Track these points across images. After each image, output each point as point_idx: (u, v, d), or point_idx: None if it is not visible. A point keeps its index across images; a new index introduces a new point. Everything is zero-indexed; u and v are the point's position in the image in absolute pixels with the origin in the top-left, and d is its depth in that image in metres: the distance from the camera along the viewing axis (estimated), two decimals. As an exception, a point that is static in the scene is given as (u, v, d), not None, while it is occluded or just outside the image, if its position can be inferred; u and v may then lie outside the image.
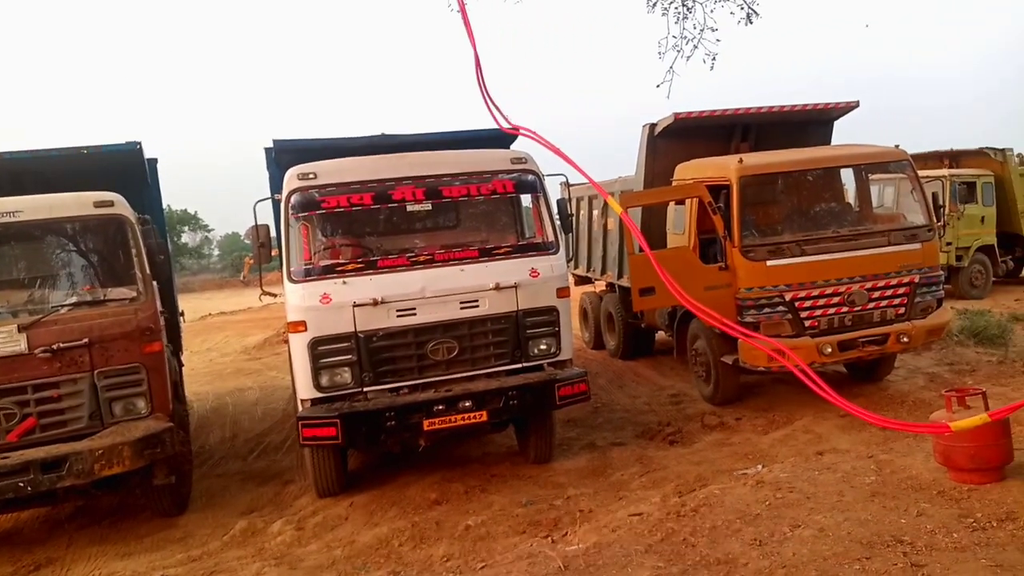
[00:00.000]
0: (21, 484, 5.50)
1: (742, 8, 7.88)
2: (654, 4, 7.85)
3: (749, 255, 7.63)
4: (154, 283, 6.36)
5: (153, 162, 8.30)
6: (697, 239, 8.32)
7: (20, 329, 5.77)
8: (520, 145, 7.72)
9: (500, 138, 7.95)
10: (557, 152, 5.59)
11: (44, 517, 6.89)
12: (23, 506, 6.27)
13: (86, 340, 5.87)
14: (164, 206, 10.15)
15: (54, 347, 5.78)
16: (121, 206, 6.30)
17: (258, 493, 7.05)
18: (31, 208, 6.07)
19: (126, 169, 7.52)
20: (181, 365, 8.59)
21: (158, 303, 6.36)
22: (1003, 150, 15.54)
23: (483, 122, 7.11)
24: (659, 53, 7.73)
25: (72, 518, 6.80)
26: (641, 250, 8.60)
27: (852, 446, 6.31)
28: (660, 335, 11.14)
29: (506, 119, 5.64)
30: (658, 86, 7.94)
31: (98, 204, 6.20)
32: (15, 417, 5.73)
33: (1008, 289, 15.67)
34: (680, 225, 8.80)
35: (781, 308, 7.61)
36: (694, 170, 8.56)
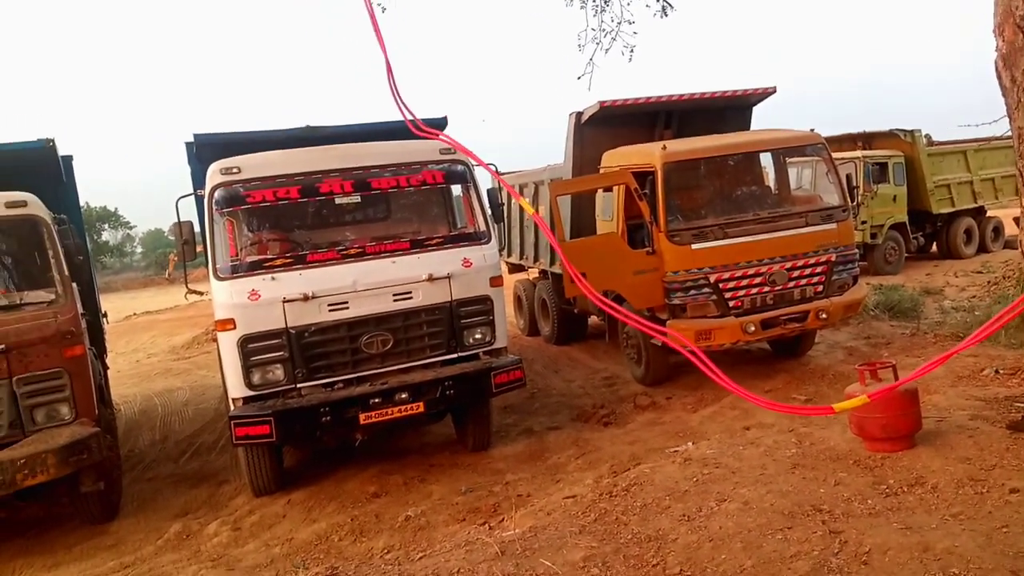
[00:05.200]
0: (-63, 499, 5.29)
1: (657, 1, 8.03)
2: None
3: (675, 239, 7.83)
4: (74, 284, 6.15)
5: (68, 159, 8.00)
6: (625, 225, 8.49)
7: (-70, 337, 5.52)
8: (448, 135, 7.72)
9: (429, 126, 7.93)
10: (473, 156, 5.62)
11: (-36, 531, 6.62)
12: (-60, 521, 6.03)
13: (2, 346, 5.64)
14: (82, 204, 9.79)
15: None
16: (35, 206, 6.08)
17: (192, 495, 6.92)
18: (-63, 210, 5.79)
19: (39, 167, 7.23)
20: (106, 368, 8.33)
21: (79, 305, 6.16)
22: (912, 131, 16.26)
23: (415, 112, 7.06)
24: (579, 46, 7.84)
25: (-6, 531, 6.55)
26: (573, 237, 8.78)
27: (776, 420, 6.57)
28: (593, 320, 11.33)
29: (420, 124, 5.64)
30: (579, 78, 8.06)
31: (10, 204, 5.96)
32: (-72, 429, 5.50)
33: (920, 264, 16.47)
34: (608, 212, 8.95)
35: (706, 290, 7.83)
36: (620, 157, 8.71)
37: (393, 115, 7.45)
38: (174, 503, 6.76)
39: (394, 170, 6.67)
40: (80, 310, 6.18)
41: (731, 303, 7.86)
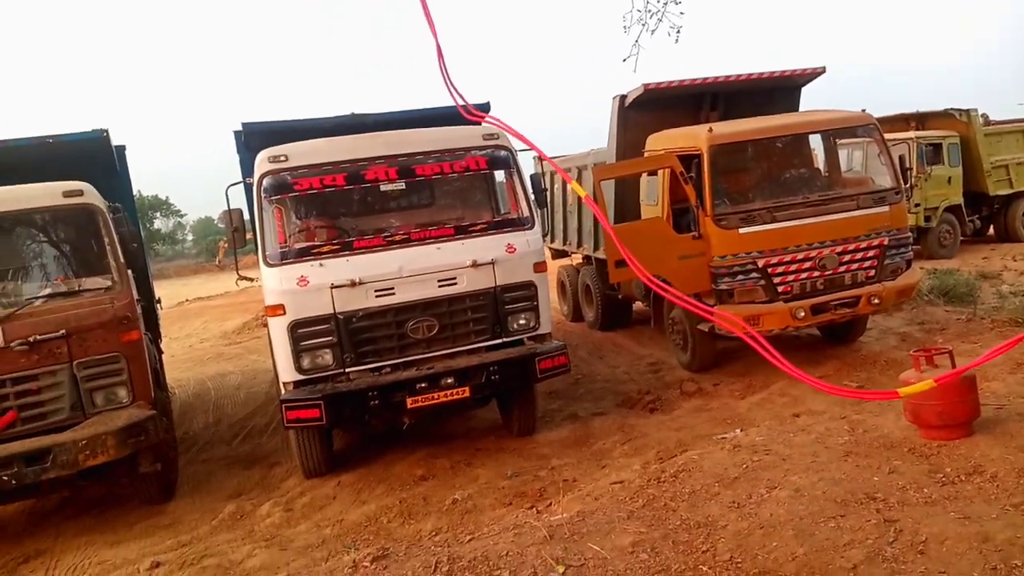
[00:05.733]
0: (5, 478, 5.49)
1: None
2: None
3: (721, 223, 7.72)
4: (129, 271, 6.32)
5: (121, 149, 8.19)
6: (670, 209, 8.39)
7: (-5, 323, 5.72)
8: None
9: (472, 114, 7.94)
10: (522, 139, 5.61)
11: (30, 510, 6.88)
12: (8, 500, 6.26)
13: (63, 331, 5.83)
14: (135, 193, 10.03)
15: (30, 340, 5.74)
16: (91, 195, 6.24)
17: (245, 476, 7.09)
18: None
19: (94, 157, 7.42)
20: (160, 352, 8.55)
21: (134, 291, 6.33)
22: (968, 111, 15.74)
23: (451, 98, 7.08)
24: (624, 27, 7.72)
25: (59, 509, 6.79)
26: (616, 222, 8.71)
27: (827, 407, 6.47)
28: (637, 305, 11.25)
29: (470, 108, 5.64)
30: (624, 60, 7.94)
31: (67, 194, 6.13)
32: (-5, 411, 5.71)
33: (975, 248, 15.97)
34: (653, 196, 8.86)
35: (754, 275, 7.72)
36: (665, 140, 8.61)
37: (437, 101, 7.52)
38: (228, 484, 6.93)
39: (438, 156, 6.70)
40: (135, 296, 6.35)
41: (780, 288, 7.74)
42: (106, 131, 7.33)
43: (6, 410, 5.73)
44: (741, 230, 7.71)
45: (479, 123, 6.82)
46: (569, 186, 11.56)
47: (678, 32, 7.60)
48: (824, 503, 4.20)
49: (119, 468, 6.08)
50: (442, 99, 7.62)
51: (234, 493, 6.70)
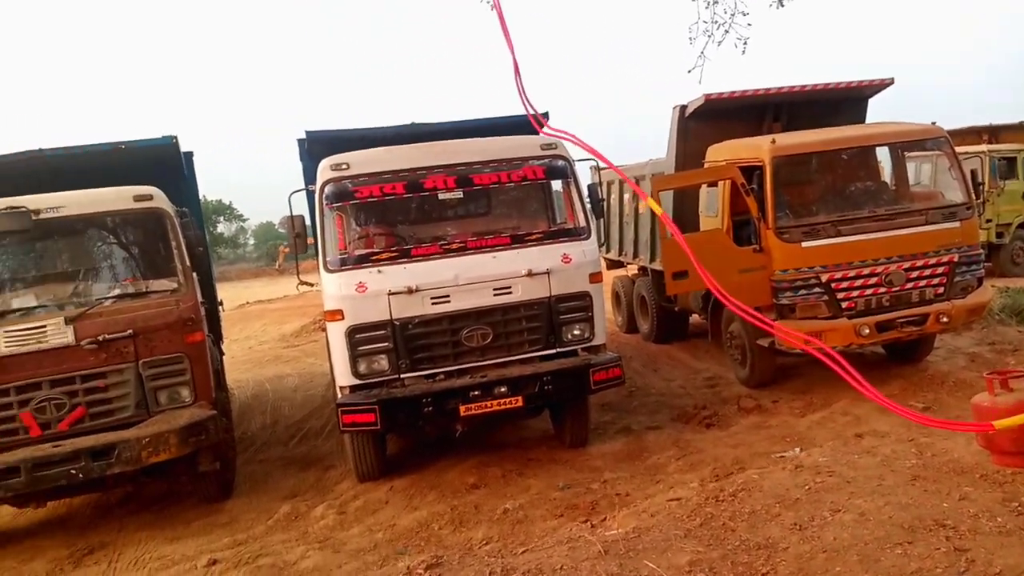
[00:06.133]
0: (72, 471, 5.67)
1: None
2: None
3: (784, 236, 7.57)
4: (194, 274, 6.49)
5: (189, 155, 8.41)
6: (730, 221, 8.26)
7: (67, 321, 5.92)
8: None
9: (529, 124, 7.95)
10: (594, 153, 5.57)
11: (95, 503, 7.10)
12: (75, 492, 6.47)
13: (130, 331, 6.01)
14: (200, 197, 10.29)
15: (100, 338, 5.94)
16: (160, 199, 6.44)
17: (300, 478, 7.19)
18: (73, 203, 6.21)
19: (163, 162, 7.65)
20: (222, 353, 8.75)
21: (199, 294, 6.50)
22: (1045, 122, 15.15)
23: (513, 108, 7.12)
24: (690, 38, 7.64)
25: (122, 504, 7.01)
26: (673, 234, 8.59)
27: (892, 428, 6.25)
28: (694, 318, 11.09)
29: (543, 122, 5.63)
30: (689, 71, 7.86)
31: (138, 198, 6.34)
32: (65, 407, 5.90)
33: (1051, 266, 15.30)
34: (713, 207, 8.73)
35: (817, 290, 7.54)
36: (726, 151, 8.48)
37: (495, 111, 7.56)
38: (284, 485, 7.04)
39: (496, 166, 6.71)
40: (200, 299, 6.51)
41: (844, 304, 7.54)
42: (175, 138, 7.55)
43: (75, 406, 5.93)
44: (804, 244, 7.54)
45: (552, 137, 6.78)
46: (628, 195, 11.49)
47: (745, 43, 7.50)
48: (891, 528, 4.05)
49: (180, 466, 6.23)
50: (503, 108, 7.68)
51: (289, 494, 6.80)
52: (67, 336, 5.90)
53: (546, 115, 7.31)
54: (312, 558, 5.39)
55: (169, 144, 7.53)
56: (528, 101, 5.50)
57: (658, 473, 6.27)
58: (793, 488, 4.77)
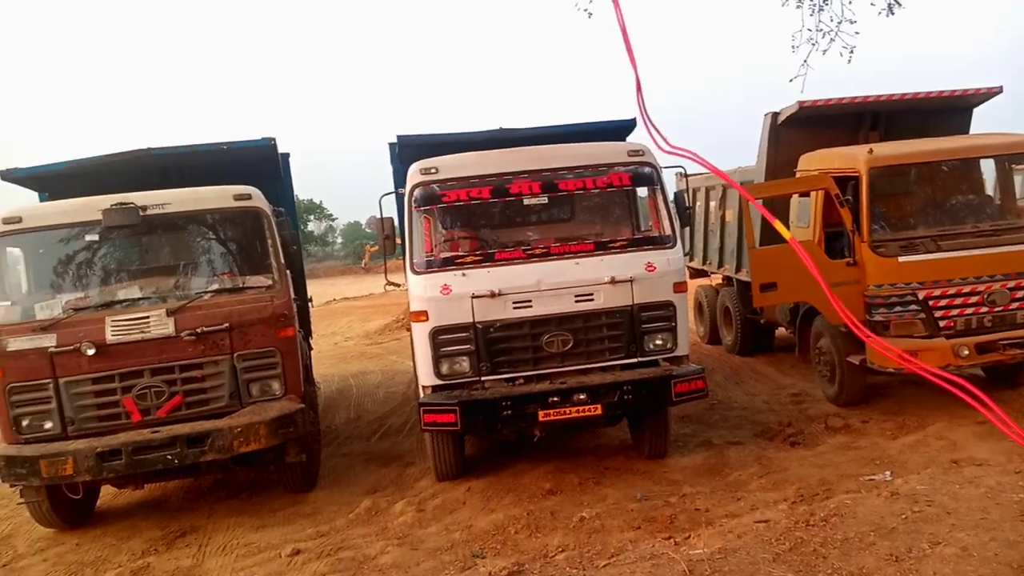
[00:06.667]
0: (169, 457, 5.95)
1: None
2: None
3: (879, 250, 7.30)
4: (288, 272, 6.73)
5: (286, 156, 8.73)
6: (823, 233, 8.01)
7: (168, 313, 6.22)
8: (637, 136, 7.68)
9: (616, 130, 7.91)
10: (720, 174, 5.44)
11: (187, 488, 7.44)
12: (170, 477, 6.78)
13: (227, 325, 6.27)
14: (295, 197, 10.65)
15: (198, 331, 6.21)
16: (258, 199, 6.69)
17: (381, 474, 7.35)
18: (178, 200, 6.53)
19: (262, 163, 7.96)
20: (310, 348, 9.03)
21: (291, 291, 6.73)
22: None
23: (598, 113, 7.11)
24: (792, 47, 7.44)
25: (212, 490, 7.32)
26: (762, 244, 8.38)
27: (991, 455, 5.94)
28: (780, 331, 10.80)
29: (666, 141, 5.53)
30: (791, 80, 7.64)
31: (237, 197, 6.61)
32: (164, 395, 6.21)
33: None
34: (804, 218, 8.48)
35: (913, 307, 7.23)
36: (820, 160, 8.24)
37: (581, 117, 7.54)
38: (365, 480, 7.22)
39: (582, 172, 6.70)
40: (293, 295, 6.74)
41: (941, 323, 7.21)
42: (274, 140, 7.85)
43: (173, 394, 6.23)
44: (901, 258, 7.25)
45: (672, 154, 6.68)
46: (714, 203, 11.29)
47: (851, 52, 7.25)
48: (997, 567, 3.83)
49: (268, 456, 6.47)
50: (589, 113, 7.67)
51: (370, 489, 6.96)
52: (168, 327, 6.19)
53: (633, 122, 7.24)
54: (391, 554, 5.50)
55: (268, 146, 7.82)
56: (649, 119, 5.42)
57: (739, 490, 6.12)
58: (889, 516, 4.55)
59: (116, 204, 6.33)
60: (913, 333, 7.22)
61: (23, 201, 7.72)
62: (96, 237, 6.45)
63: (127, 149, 7.31)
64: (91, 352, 6.04)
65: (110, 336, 6.11)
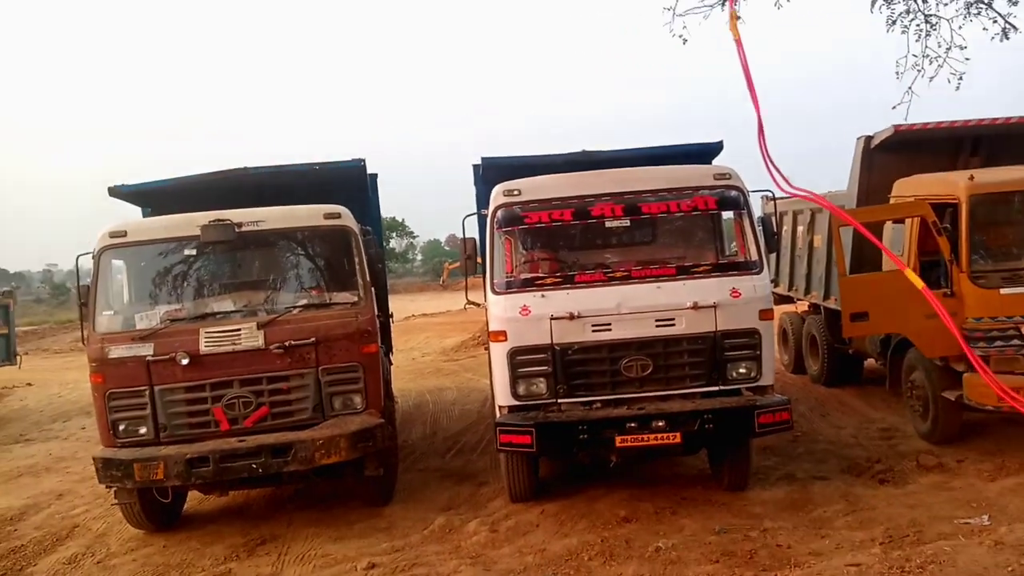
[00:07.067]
0: (254, 465, 6.15)
1: (996, 22, 7.07)
2: (893, 22, 7.28)
3: (979, 281, 6.95)
4: (372, 289, 6.88)
5: (374, 177, 8.97)
6: (918, 262, 7.68)
7: (259, 327, 6.46)
8: (724, 160, 7.56)
9: (701, 153, 7.81)
10: (836, 211, 5.34)
11: (269, 496, 7.66)
12: (253, 485, 6.99)
13: (313, 339, 6.46)
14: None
15: (286, 344, 6.42)
16: (347, 218, 6.89)
17: (455, 491, 7.39)
18: (272, 218, 6.79)
19: (351, 183, 8.21)
20: (391, 364, 9.20)
21: (375, 308, 6.88)
22: None
23: (682, 137, 7.04)
24: (897, 73, 7.18)
25: (292, 500, 7.51)
26: (853, 272, 8.09)
27: (1103, 504, 5.55)
28: (869, 362, 10.38)
29: (786, 180, 5.46)
30: (894, 107, 7.37)
31: (327, 216, 6.83)
32: (251, 405, 6.42)
33: None
34: (898, 246, 8.15)
35: (1016, 341, 6.85)
36: (916, 186, 7.92)
37: (663, 140, 7.47)
38: (439, 497, 7.27)
39: (665, 195, 6.63)
40: (376, 312, 6.89)
41: (1048, 360, 6.78)
42: (363, 160, 8.08)
43: (260, 405, 6.44)
44: (1003, 291, 6.88)
45: (792, 195, 6.54)
46: (802, 228, 10.99)
47: (960, 79, 6.95)
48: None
49: (347, 469, 6.59)
50: (673, 137, 7.61)
51: (445, 506, 7.01)
52: (258, 340, 6.42)
53: (720, 144, 7.13)
54: (464, 573, 5.52)
55: (357, 167, 8.07)
56: (770, 159, 5.35)
57: (823, 527, 5.89)
58: (993, 568, 4.29)
59: (214, 220, 6.62)
60: (1015, 369, 6.82)
61: (127, 216, 8.16)
62: (194, 251, 6.77)
63: (226, 168, 7.65)
64: (185, 362, 6.31)
65: (203, 347, 6.37)
